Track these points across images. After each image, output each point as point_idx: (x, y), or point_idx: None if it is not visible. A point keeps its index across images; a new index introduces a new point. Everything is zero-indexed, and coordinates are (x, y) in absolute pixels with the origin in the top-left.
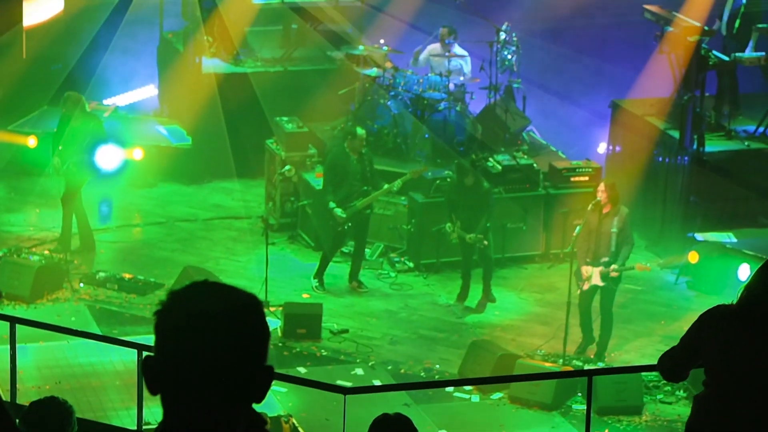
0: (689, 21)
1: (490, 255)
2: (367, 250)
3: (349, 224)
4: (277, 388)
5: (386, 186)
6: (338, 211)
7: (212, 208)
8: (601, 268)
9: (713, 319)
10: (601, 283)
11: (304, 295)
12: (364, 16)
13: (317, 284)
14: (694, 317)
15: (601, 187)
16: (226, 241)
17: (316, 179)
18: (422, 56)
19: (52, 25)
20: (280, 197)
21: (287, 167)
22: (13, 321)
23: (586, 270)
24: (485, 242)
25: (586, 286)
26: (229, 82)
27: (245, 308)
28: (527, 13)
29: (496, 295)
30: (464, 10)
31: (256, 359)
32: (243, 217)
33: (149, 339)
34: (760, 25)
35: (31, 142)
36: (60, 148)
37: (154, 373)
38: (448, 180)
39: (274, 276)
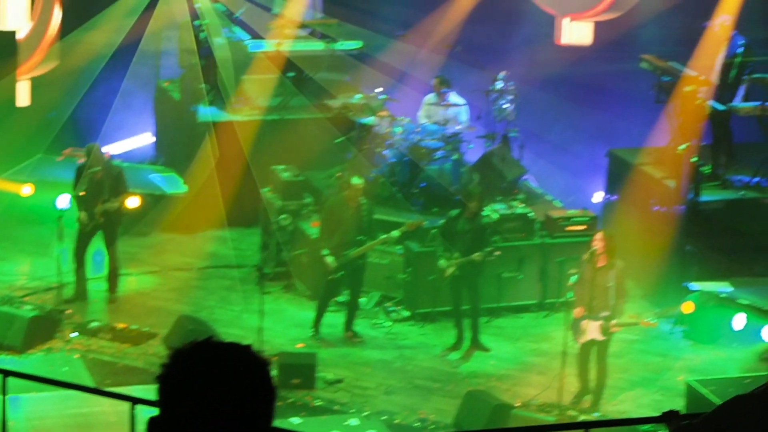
0: (686, 70)
1: (478, 304)
2: (362, 299)
3: (342, 273)
4: None
5: (382, 236)
6: (330, 259)
7: (207, 256)
8: (600, 322)
9: (745, 404)
10: (600, 338)
11: (299, 345)
12: (361, 64)
13: (314, 334)
14: (689, 367)
15: (599, 236)
16: (220, 290)
17: (311, 228)
18: (421, 109)
19: (49, 73)
20: (276, 246)
21: (283, 216)
22: (6, 374)
23: (579, 312)
24: (497, 252)
25: (582, 340)
26: (226, 130)
27: (251, 369)
28: (524, 62)
29: (492, 345)
30: (462, 59)
31: (261, 420)
32: (238, 266)
33: (143, 390)
34: (755, 75)
35: (26, 190)
36: (83, 201)
37: None
38: (445, 222)
39: (269, 326)
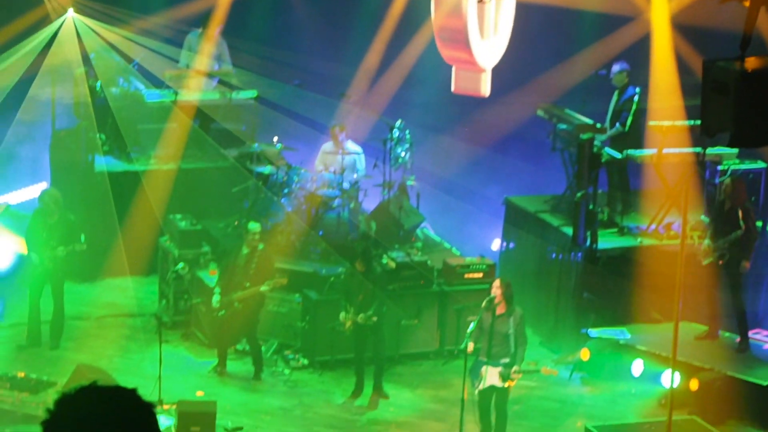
0: (581, 118)
1: (382, 351)
2: (262, 346)
3: (223, 312)
4: None
5: (259, 287)
6: (215, 298)
7: (106, 306)
8: (500, 369)
9: None
10: (500, 384)
11: (198, 393)
12: (258, 113)
13: (217, 370)
14: (588, 413)
15: (497, 283)
16: (119, 339)
17: (209, 277)
18: (318, 157)
19: None
20: (174, 295)
21: (180, 265)
22: None
23: (483, 371)
24: (374, 318)
25: (482, 387)
26: (122, 179)
27: (134, 412)
28: (421, 110)
29: (391, 392)
30: (359, 107)
31: None
32: (136, 315)
33: None
34: (651, 122)
35: None
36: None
37: None
38: (343, 276)
39: (168, 374)
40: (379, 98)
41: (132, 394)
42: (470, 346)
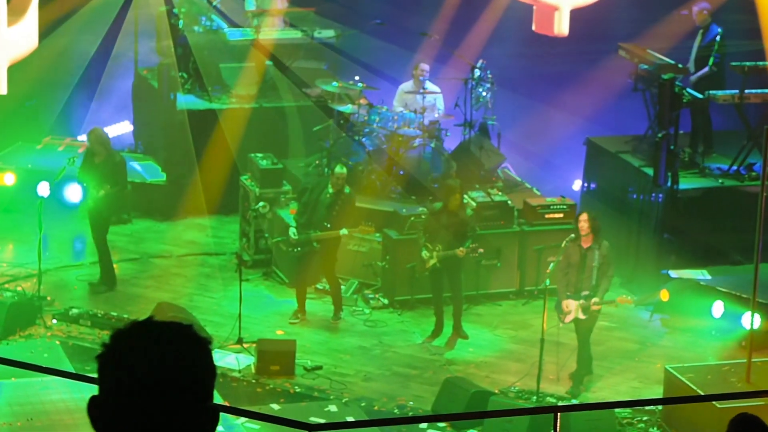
0: (663, 59)
1: (459, 291)
2: (341, 286)
3: (299, 249)
4: (250, 425)
5: (338, 230)
6: (291, 231)
7: (186, 244)
8: (581, 301)
9: None
10: (582, 316)
11: (278, 332)
12: (339, 52)
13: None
14: (668, 354)
15: (584, 216)
16: (199, 277)
17: (290, 216)
18: (396, 97)
19: (27, 61)
20: (254, 234)
21: (261, 204)
22: None
23: (567, 304)
24: (480, 249)
25: (567, 320)
26: (204, 118)
27: (190, 348)
28: (501, 50)
29: (470, 332)
30: (439, 47)
31: (202, 398)
32: (217, 254)
33: None
34: (732, 63)
35: (8, 178)
36: (84, 184)
37: (99, 413)
38: (423, 216)
39: (248, 313)
40: (468, 41)
41: (188, 329)
42: (565, 306)
